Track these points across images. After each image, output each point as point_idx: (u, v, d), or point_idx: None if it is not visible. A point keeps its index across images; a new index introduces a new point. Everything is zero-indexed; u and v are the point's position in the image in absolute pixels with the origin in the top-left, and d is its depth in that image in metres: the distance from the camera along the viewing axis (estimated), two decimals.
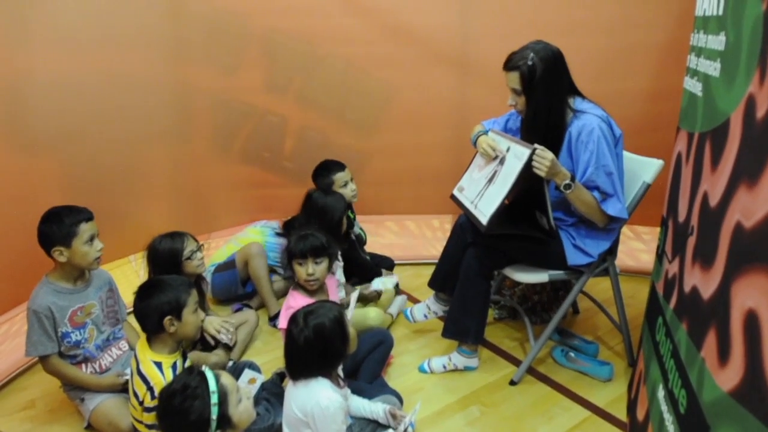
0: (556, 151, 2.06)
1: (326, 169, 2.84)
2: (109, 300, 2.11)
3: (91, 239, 1.96)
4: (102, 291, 2.08)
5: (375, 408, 1.86)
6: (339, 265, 2.53)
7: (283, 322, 1.96)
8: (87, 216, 1.96)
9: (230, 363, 2.25)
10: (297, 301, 1.99)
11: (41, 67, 2.24)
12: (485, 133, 2.30)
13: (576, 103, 2.10)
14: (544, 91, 2.01)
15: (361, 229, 3.07)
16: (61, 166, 2.38)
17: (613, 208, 2.02)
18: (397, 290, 2.87)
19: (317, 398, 1.63)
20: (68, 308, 1.95)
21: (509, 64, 2.05)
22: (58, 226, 1.90)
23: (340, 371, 1.80)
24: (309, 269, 2.01)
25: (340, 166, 2.84)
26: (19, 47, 2.16)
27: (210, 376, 1.48)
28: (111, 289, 2.13)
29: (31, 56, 2.20)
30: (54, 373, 1.98)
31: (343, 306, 1.80)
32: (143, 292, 1.76)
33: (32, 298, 1.93)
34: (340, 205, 2.58)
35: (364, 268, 2.90)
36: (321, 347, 1.64)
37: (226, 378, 1.51)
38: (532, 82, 2.00)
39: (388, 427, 1.83)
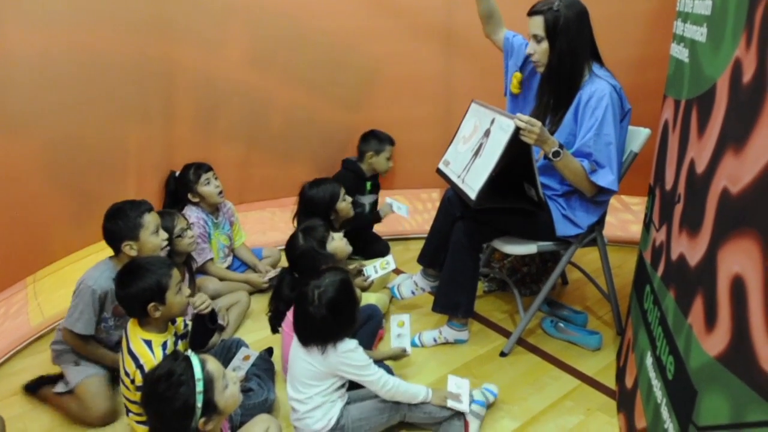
0: (564, 110, 2.07)
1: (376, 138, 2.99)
2: None
3: (157, 229, 1.99)
4: None
5: None
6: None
7: None
8: (148, 207, 1.99)
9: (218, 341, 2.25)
10: None
11: (18, 46, 2.18)
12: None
13: (594, 67, 2.09)
14: (567, 41, 2.00)
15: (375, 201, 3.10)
16: (43, 147, 2.34)
17: (604, 180, 2.02)
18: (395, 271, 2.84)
19: (341, 348, 1.69)
20: None
21: (533, 9, 2.04)
22: (124, 221, 1.92)
23: None
24: None
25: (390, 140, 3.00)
26: None
27: (195, 362, 1.44)
28: None
29: (8, 35, 2.14)
30: (85, 351, 1.96)
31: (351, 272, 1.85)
32: (123, 280, 1.73)
33: (94, 278, 1.90)
34: (334, 193, 2.60)
35: (366, 241, 2.95)
36: (336, 319, 1.69)
37: (212, 363, 1.48)
38: (556, 28, 1.99)
39: None
